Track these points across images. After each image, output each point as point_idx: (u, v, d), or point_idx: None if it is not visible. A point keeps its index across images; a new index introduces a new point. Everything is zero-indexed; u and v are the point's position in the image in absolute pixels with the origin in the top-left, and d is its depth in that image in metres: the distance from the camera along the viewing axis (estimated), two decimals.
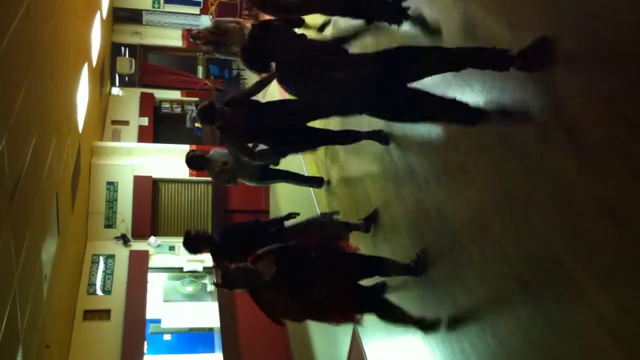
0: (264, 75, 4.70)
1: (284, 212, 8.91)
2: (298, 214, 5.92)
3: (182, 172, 12.57)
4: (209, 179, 12.59)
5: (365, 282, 4.78)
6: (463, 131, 3.89)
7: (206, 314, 11.94)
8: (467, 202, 3.91)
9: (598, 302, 2.64)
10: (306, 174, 7.73)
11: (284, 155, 6.10)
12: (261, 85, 5.26)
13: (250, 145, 5.58)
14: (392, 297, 4.83)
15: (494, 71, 3.25)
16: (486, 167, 3.64)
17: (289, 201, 10.10)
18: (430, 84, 3.86)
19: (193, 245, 5.40)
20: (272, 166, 6.73)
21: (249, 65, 4.06)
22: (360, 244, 5.52)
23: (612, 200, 2.58)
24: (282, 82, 3.94)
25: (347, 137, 5.71)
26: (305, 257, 4.35)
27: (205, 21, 15.15)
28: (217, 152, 6.62)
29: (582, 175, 2.75)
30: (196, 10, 15.54)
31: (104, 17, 12.90)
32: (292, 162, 7.58)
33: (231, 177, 6.58)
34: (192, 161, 6.67)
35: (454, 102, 3.68)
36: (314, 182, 7.25)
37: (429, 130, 4.41)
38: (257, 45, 3.91)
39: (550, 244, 2.98)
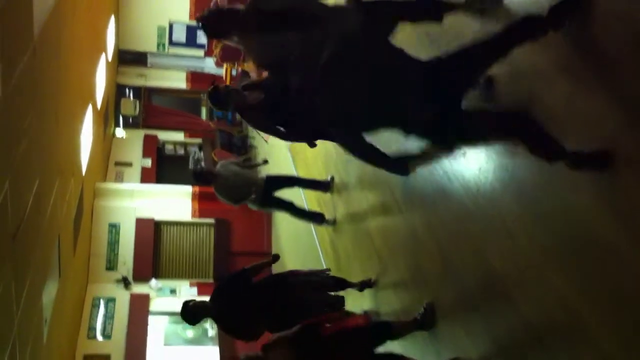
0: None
1: (286, 254, 8.84)
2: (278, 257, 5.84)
3: (185, 213, 12.57)
4: (211, 220, 12.64)
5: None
6: (472, 172, 3.86)
7: (207, 359, 11.75)
8: (468, 239, 3.86)
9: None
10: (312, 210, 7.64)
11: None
12: None
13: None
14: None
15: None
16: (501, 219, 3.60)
17: (291, 242, 10.05)
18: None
19: (192, 317, 5.25)
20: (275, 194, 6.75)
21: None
22: (366, 301, 5.48)
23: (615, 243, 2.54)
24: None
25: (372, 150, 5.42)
26: (318, 341, 4.32)
27: (210, 63, 15.30)
28: (225, 167, 6.61)
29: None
30: (200, 52, 15.70)
31: (109, 59, 13.02)
32: (293, 197, 7.54)
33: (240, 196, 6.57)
34: (200, 176, 6.70)
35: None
36: (315, 218, 7.17)
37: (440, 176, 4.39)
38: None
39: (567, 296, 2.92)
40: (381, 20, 3.73)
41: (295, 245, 9.59)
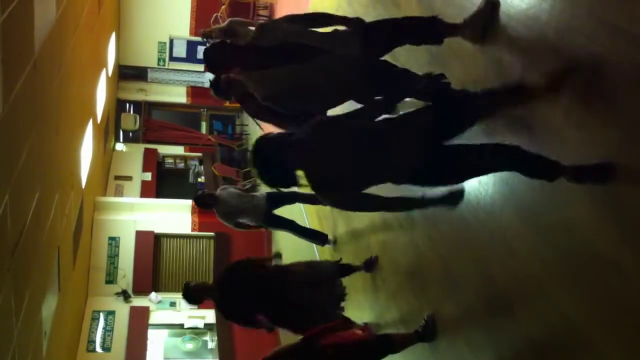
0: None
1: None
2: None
3: (184, 227, 12.57)
4: (211, 233, 12.64)
5: None
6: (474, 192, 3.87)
7: None
8: (470, 253, 3.87)
9: None
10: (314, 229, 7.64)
11: None
12: None
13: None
14: None
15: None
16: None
17: (292, 257, 10.01)
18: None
19: (193, 296, 5.34)
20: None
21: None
22: (366, 312, 5.47)
23: (617, 254, 2.54)
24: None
25: None
26: (319, 354, 4.33)
27: (210, 78, 15.36)
28: (226, 191, 6.66)
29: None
30: (200, 67, 15.76)
31: (110, 74, 13.08)
32: (294, 214, 7.55)
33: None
34: (201, 200, 6.74)
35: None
36: (318, 238, 7.17)
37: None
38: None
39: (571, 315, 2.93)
40: (379, 44, 3.82)
41: (295, 258, 9.57)
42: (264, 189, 7.42)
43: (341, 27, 4.00)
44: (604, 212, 2.65)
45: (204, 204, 6.77)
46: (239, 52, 4.09)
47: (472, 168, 3.02)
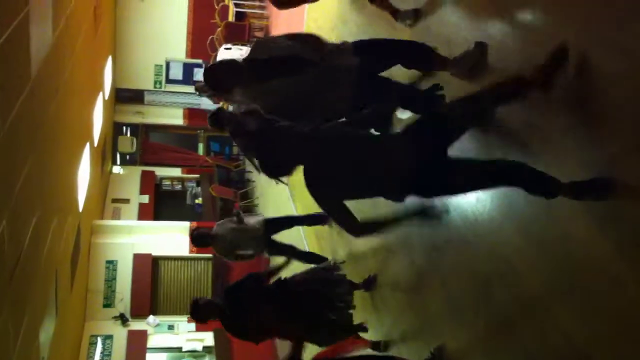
0: None
1: None
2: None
3: (182, 249, 12.53)
4: (209, 255, 12.60)
5: None
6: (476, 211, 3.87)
7: None
8: (470, 271, 3.86)
9: None
10: (307, 250, 7.64)
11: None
12: None
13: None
14: None
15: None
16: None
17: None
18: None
19: (202, 314, 5.30)
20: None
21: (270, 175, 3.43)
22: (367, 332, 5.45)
23: (620, 270, 2.54)
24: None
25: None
26: None
27: (206, 100, 15.40)
28: (221, 227, 6.61)
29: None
30: None
31: (106, 97, 13.12)
32: (293, 238, 7.53)
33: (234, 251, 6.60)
34: (198, 239, 6.68)
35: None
36: (319, 262, 7.13)
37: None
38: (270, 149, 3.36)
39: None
40: (373, 63, 3.88)
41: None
42: (260, 213, 7.41)
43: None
44: (603, 227, 2.65)
45: (201, 243, 6.71)
46: (238, 68, 4.11)
47: (474, 182, 3.03)
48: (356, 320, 5.46)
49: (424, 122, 3.13)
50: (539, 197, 2.88)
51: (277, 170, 3.23)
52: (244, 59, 4.09)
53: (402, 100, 3.90)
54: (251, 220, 6.75)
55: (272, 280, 5.55)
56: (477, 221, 3.72)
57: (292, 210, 9.16)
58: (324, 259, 6.99)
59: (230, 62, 4.14)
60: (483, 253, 3.67)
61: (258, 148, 3.85)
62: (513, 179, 2.95)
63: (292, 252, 7.02)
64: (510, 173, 2.93)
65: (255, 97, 4.07)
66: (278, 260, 6.40)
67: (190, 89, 15.81)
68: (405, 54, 3.97)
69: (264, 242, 6.66)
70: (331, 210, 3.35)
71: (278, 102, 3.95)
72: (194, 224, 12.75)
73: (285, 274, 5.77)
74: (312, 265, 6.20)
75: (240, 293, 5.24)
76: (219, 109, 5.41)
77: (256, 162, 4.86)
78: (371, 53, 3.93)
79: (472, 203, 3.76)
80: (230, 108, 5.93)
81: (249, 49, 4.18)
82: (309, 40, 4.08)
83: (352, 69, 3.82)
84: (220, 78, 4.06)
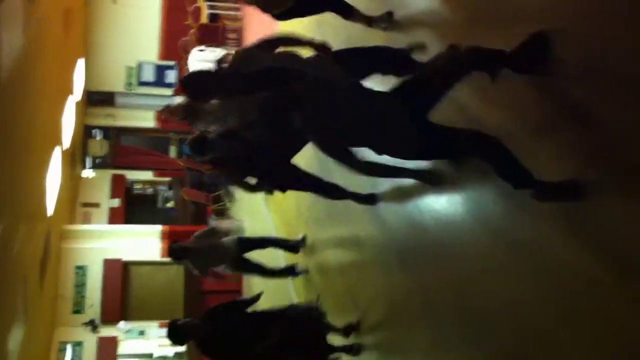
0: None
1: (257, 291, 8.78)
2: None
3: (154, 253, 12.43)
4: None
5: None
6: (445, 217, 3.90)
7: None
8: (444, 274, 3.88)
9: None
10: (283, 265, 7.60)
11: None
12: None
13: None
14: None
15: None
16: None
17: (262, 280, 9.96)
18: None
19: (179, 337, 5.27)
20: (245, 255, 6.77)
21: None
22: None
23: (593, 270, 2.57)
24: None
25: (333, 189, 5.48)
26: None
27: (179, 100, 15.31)
28: (198, 242, 6.60)
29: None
30: (169, 92, 15.72)
31: (77, 100, 12.97)
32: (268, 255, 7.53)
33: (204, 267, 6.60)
34: (175, 253, 6.59)
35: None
36: (288, 272, 7.23)
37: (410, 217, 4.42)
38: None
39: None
40: (356, 72, 3.92)
41: (265, 281, 9.52)
42: (234, 219, 7.40)
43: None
44: (572, 229, 2.68)
45: (178, 257, 6.62)
46: (219, 79, 4.08)
47: (449, 148, 3.09)
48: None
49: (407, 83, 3.16)
50: (506, 182, 2.91)
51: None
52: (227, 71, 4.07)
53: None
54: (225, 238, 6.74)
55: (250, 308, 5.57)
56: (449, 222, 3.74)
57: (265, 214, 9.16)
58: (292, 269, 7.04)
59: (213, 73, 4.10)
60: (455, 254, 3.69)
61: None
62: (489, 151, 2.94)
63: (261, 271, 7.08)
64: (488, 145, 2.93)
65: (236, 110, 4.06)
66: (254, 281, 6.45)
67: (163, 91, 15.72)
68: (384, 62, 4.04)
69: (236, 261, 6.71)
70: (333, 155, 3.49)
71: (256, 116, 3.97)
72: (166, 227, 12.66)
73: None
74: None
75: (220, 318, 5.24)
76: (203, 133, 5.28)
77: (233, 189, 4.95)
78: (350, 65, 3.94)
79: (444, 206, 3.79)
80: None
81: (223, 52, 4.18)
82: (288, 44, 4.10)
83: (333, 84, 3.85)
84: (201, 87, 4.01)
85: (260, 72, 3.82)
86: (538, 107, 2.95)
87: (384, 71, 4.09)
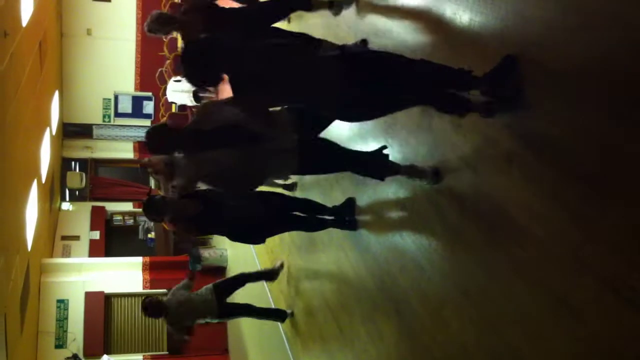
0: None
1: (241, 319, 8.68)
2: None
3: (136, 285, 12.30)
4: (164, 290, 12.37)
5: None
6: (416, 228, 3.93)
7: None
8: (425, 299, 3.89)
9: None
10: (271, 306, 7.51)
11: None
12: None
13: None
14: None
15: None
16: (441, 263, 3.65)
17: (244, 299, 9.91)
18: None
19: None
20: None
21: (193, 79, 3.51)
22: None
23: (566, 292, 2.60)
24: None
25: (311, 222, 5.52)
26: None
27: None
28: (174, 295, 6.46)
29: (536, 266, 2.78)
30: (147, 122, 15.71)
31: (54, 133, 12.90)
32: (255, 292, 7.48)
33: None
34: (150, 310, 6.45)
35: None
36: (277, 315, 7.03)
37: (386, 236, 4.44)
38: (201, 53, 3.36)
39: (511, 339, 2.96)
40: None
41: (249, 299, 9.47)
42: (216, 248, 7.31)
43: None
44: (549, 250, 2.72)
45: (153, 314, 6.48)
46: (179, 136, 4.15)
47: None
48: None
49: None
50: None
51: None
52: (187, 128, 4.18)
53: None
54: (203, 293, 6.55)
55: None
56: (432, 247, 3.77)
57: (249, 248, 9.12)
58: (284, 313, 6.89)
59: (172, 130, 4.20)
60: (437, 278, 3.72)
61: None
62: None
63: (249, 311, 6.93)
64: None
65: (196, 165, 4.22)
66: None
67: (140, 121, 15.71)
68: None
69: (218, 309, 6.49)
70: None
71: (218, 170, 4.13)
72: (147, 258, 12.55)
73: None
74: None
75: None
76: (151, 195, 5.22)
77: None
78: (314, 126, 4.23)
79: (426, 231, 3.81)
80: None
81: (196, 113, 4.30)
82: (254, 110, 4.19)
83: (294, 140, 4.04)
84: (160, 142, 4.14)
85: (213, 131, 3.93)
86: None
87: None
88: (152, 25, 4.90)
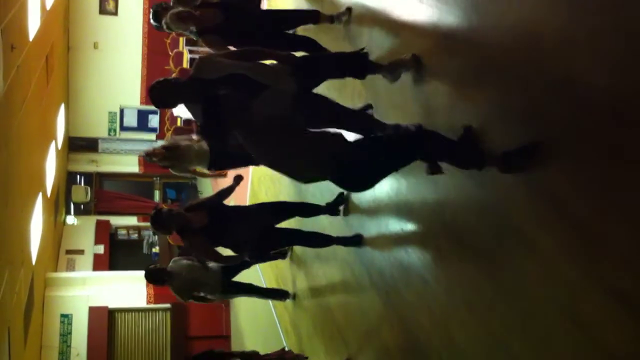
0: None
1: (246, 335, 8.67)
2: None
3: (139, 300, 12.27)
4: (167, 305, 12.35)
5: None
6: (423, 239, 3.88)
7: None
8: (430, 313, 3.85)
9: None
10: (275, 315, 7.55)
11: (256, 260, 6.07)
12: (227, 193, 5.32)
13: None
14: None
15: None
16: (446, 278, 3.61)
17: (250, 323, 9.86)
18: None
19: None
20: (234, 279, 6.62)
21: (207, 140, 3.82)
22: None
23: (574, 306, 2.55)
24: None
25: (317, 239, 5.55)
26: None
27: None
28: (178, 264, 6.43)
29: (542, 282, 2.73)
30: (152, 136, 15.72)
31: (59, 146, 12.91)
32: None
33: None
34: (152, 276, 6.45)
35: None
36: (279, 295, 7.11)
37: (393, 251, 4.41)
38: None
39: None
40: (312, 76, 4.20)
41: (255, 326, 9.41)
42: None
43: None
44: (556, 266, 2.67)
45: (156, 280, 6.49)
46: (181, 86, 4.19)
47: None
48: None
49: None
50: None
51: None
52: (189, 77, 4.20)
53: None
54: (209, 264, 6.59)
55: None
56: (435, 261, 3.73)
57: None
58: (284, 292, 6.95)
59: (175, 80, 4.26)
60: (442, 293, 3.67)
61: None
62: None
63: (251, 290, 6.96)
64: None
65: (198, 115, 4.23)
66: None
67: (146, 135, 15.72)
68: (342, 66, 4.25)
69: (222, 284, 6.49)
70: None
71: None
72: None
73: None
74: None
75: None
76: (159, 209, 5.27)
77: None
78: (310, 72, 4.20)
79: (431, 246, 3.78)
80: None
81: (194, 66, 4.27)
82: (252, 57, 4.21)
83: (294, 93, 4.04)
84: (164, 93, 4.13)
85: (220, 79, 3.97)
86: None
87: (341, 76, 4.41)
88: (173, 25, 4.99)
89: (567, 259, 2.62)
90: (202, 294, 6.49)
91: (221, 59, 4.19)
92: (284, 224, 5.68)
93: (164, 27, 5.23)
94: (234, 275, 6.66)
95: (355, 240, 5.03)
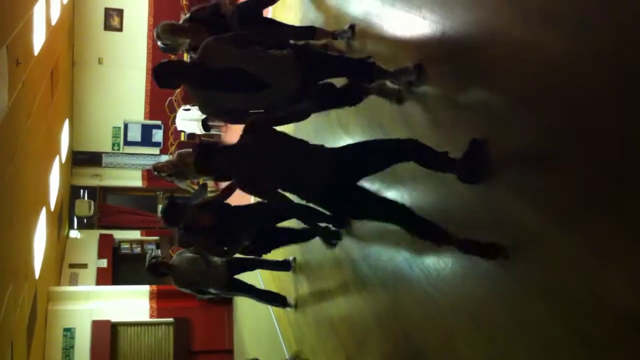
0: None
1: (249, 349, 8.66)
2: None
3: (142, 313, 12.25)
4: (170, 319, 12.33)
5: None
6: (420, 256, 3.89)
7: None
8: (435, 328, 3.84)
9: None
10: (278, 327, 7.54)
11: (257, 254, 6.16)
12: (230, 192, 5.37)
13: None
14: None
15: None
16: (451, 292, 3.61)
17: (254, 337, 9.84)
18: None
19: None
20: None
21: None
22: None
23: (582, 325, 2.56)
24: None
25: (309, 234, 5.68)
26: None
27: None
28: (181, 257, 6.43)
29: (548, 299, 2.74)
30: (156, 150, 15.76)
31: (63, 161, 12.96)
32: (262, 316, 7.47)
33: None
34: (155, 269, 6.44)
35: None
36: (278, 300, 7.13)
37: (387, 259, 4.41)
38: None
39: None
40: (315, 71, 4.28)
41: (258, 340, 9.40)
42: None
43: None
44: (560, 279, 2.68)
45: (158, 273, 6.47)
46: (185, 69, 4.26)
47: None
48: None
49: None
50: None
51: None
52: (195, 62, 4.24)
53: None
54: (213, 259, 6.59)
55: None
56: (440, 277, 3.73)
57: (256, 275, 9.10)
58: (283, 298, 6.97)
59: (180, 63, 4.35)
60: (446, 307, 3.67)
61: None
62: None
63: (251, 291, 6.97)
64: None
65: (203, 102, 4.36)
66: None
67: (150, 150, 15.75)
68: (348, 67, 4.37)
69: (227, 279, 6.50)
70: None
71: (219, 110, 4.40)
72: (155, 287, 12.50)
73: None
74: None
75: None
76: (173, 199, 5.31)
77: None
78: (314, 67, 4.27)
79: (433, 259, 3.78)
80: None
81: (200, 50, 4.31)
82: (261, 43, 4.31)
83: (296, 88, 4.15)
84: (168, 74, 4.20)
85: (225, 71, 4.04)
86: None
87: (347, 76, 4.44)
88: (163, 36, 5.06)
89: (577, 275, 2.63)
90: (204, 289, 6.53)
91: (228, 46, 4.21)
92: (284, 224, 5.82)
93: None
94: (237, 273, 6.68)
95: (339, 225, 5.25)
